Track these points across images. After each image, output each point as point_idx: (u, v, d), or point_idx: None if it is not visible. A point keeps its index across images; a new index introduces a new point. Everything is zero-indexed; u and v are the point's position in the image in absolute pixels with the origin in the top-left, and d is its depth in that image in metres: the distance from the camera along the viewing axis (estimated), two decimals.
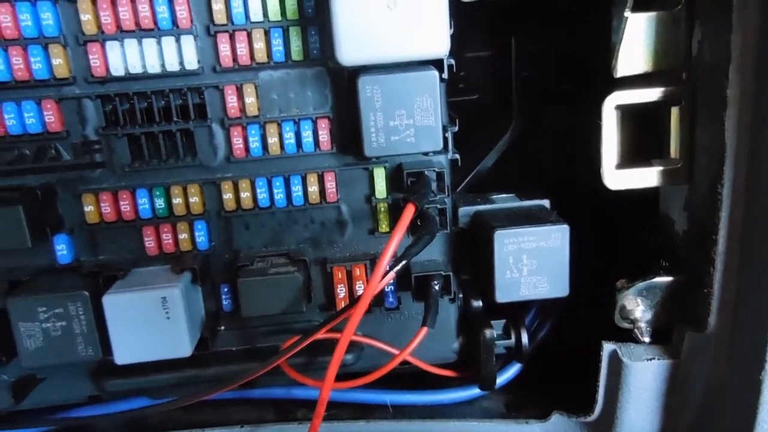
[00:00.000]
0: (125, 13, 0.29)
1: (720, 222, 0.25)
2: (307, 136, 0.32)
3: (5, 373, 0.33)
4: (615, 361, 0.30)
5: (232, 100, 0.31)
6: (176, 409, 0.35)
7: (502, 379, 0.37)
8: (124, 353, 0.30)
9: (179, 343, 0.30)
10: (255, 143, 0.32)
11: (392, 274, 0.30)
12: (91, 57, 0.30)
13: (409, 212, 0.29)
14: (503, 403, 0.37)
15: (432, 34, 0.27)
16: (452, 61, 0.30)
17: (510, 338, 0.36)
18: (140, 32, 0.29)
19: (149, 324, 0.30)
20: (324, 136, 0.32)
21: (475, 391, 0.37)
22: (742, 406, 0.25)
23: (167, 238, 0.32)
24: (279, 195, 0.32)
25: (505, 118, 0.41)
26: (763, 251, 0.24)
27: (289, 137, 0.32)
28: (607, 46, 0.28)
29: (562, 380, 0.34)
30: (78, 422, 0.35)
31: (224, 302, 0.34)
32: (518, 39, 0.38)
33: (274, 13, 0.30)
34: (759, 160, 0.24)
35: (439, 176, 0.32)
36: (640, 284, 0.29)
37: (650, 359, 0.30)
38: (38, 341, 0.30)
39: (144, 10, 0.29)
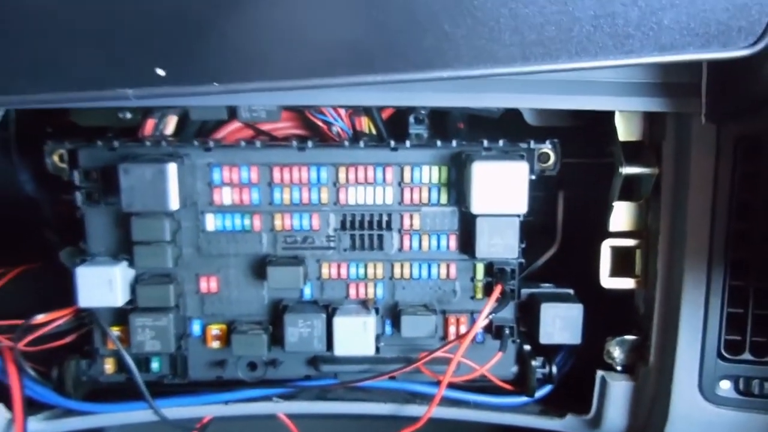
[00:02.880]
0: (361, 175, 0.57)
1: (655, 310, 0.50)
2: (443, 242, 0.58)
3: (266, 356, 0.59)
4: (603, 382, 0.55)
5: (406, 221, 0.57)
6: (342, 389, 0.61)
7: (539, 393, 0.61)
8: (340, 349, 0.56)
9: (368, 346, 0.57)
10: (415, 244, 0.58)
11: (486, 321, 0.56)
12: (339, 194, 0.57)
13: (498, 290, 0.56)
14: (539, 408, 0.60)
15: (518, 201, 0.53)
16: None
17: (545, 368, 0.61)
18: (366, 184, 0.57)
19: (355, 334, 0.56)
20: (453, 243, 0.58)
21: (522, 399, 0.61)
22: (662, 404, 0.49)
23: (362, 291, 0.59)
24: (424, 273, 0.58)
25: (551, 236, 0.67)
26: (671, 327, 0.49)
27: (434, 242, 0.58)
28: (606, 212, 0.55)
29: (573, 395, 0.59)
30: (293, 389, 0.62)
31: (387, 329, 0.60)
32: (563, 192, 0.64)
33: (435, 180, 0.57)
34: (671, 283, 0.49)
35: (512, 271, 0.58)
36: (619, 339, 0.54)
37: (621, 381, 0.54)
38: (295, 338, 0.57)
39: (370, 174, 0.57)
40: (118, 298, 0.54)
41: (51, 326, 0.58)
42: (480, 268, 0.58)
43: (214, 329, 0.58)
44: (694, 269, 0.47)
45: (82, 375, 0.58)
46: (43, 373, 0.58)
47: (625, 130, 0.52)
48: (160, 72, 0.31)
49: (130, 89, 0.31)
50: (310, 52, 0.36)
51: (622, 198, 0.53)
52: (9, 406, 0.55)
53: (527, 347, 0.60)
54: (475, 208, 0.54)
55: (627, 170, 0.50)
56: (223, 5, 0.33)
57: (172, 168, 0.52)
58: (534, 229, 0.60)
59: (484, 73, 0.34)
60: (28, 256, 0.65)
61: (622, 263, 0.54)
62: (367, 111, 0.59)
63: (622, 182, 0.51)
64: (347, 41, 0.35)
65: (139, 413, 0.58)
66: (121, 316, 0.57)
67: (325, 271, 0.58)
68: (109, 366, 0.58)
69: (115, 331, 0.57)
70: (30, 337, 0.57)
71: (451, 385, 0.59)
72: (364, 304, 0.59)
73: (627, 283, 0.53)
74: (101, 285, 0.53)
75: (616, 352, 0.54)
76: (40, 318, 0.57)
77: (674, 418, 0.50)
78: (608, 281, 0.54)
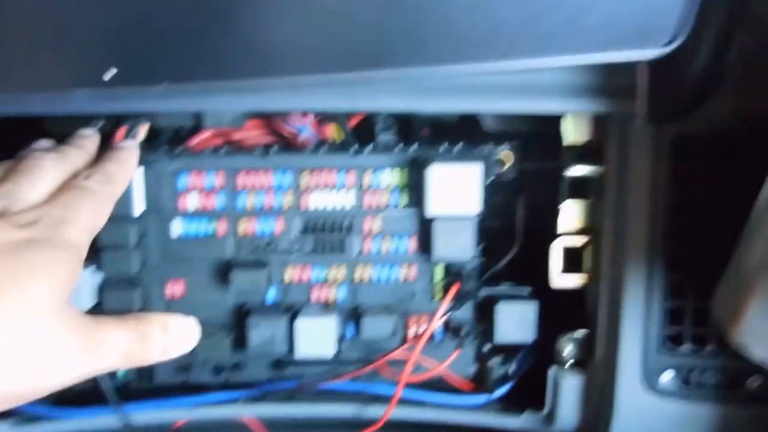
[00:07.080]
0: (322, 179, 0.58)
1: (600, 305, 0.53)
2: (403, 245, 0.60)
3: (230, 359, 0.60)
4: (555, 377, 0.57)
5: (367, 224, 0.59)
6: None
7: (498, 392, 0.62)
8: (301, 351, 0.58)
9: (328, 348, 0.58)
10: (376, 247, 0.60)
11: (443, 320, 0.58)
12: (302, 198, 0.59)
13: (454, 290, 0.58)
14: (498, 407, 0.62)
15: (472, 202, 0.55)
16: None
17: (504, 367, 0.63)
18: (328, 188, 0.59)
19: (316, 335, 0.58)
20: (413, 246, 0.60)
21: (482, 398, 0.63)
22: (609, 397, 0.51)
23: (323, 293, 0.61)
24: (384, 275, 0.60)
25: (513, 239, 0.68)
26: (615, 321, 0.51)
27: (394, 245, 0.60)
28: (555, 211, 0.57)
29: (533, 393, 0.61)
30: (257, 392, 0.62)
31: (348, 331, 0.62)
32: (523, 196, 0.66)
33: (395, 183, 0.59)
34: (615, 278, 0.51)
35: (470, 272, 0.60)
36: (569, 335, 0.56)
37: (572, 376, 0.56)
38: (258, 340, 0.58)
39: (331, 178, 0.59)
40: (85, 301, 0.55)
41: None
42: (438, 270, 0.60)
43: None
44: (636, 265, 0.49)
45: None
46: None
47: (574, 133, 0.54)
48: (113, 71, 0.33)
49: (81, 89, 0.32)
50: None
51: (573, 198, 0.55)
52: None
53: (487, 347, 0.62)
54: (431, 209, 0.56)
55: (572, 172, 0.52)
56: None
57: (137, 174, 0.54)
58: (497, 232, 0.63)
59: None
60: None
61: (574, 261, 0.56)
62: (335, 118, 0.61)
63: (571, 184, 0.53)
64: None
65: (106, 419, 0.59)
66: None
67: (288, 274, 0.60)
68: None
69: None
70: None
71: (411, 385, 0.60)
72: (326, 306, 0.60)
73: (576, 281, 0.56)
74: None
75: (568, 348, 0.56)
76: None
77: (620, 410, 0.52)
78: (559, 279, 0.56)
